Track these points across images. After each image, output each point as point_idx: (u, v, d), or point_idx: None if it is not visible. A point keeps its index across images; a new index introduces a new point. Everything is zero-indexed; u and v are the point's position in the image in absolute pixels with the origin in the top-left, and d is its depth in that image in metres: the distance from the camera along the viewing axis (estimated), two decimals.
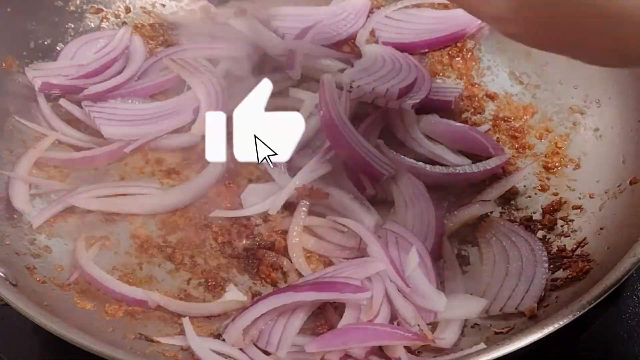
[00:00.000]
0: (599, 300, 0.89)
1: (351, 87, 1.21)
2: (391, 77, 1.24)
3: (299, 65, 1.28)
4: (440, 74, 1.34)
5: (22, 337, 1.09)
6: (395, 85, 1.22)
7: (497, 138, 1.24)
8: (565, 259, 1.08)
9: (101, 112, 1.21)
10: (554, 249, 1.10)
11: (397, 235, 1.08)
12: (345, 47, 1.36)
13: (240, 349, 0.97)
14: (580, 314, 0.87)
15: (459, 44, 1.36)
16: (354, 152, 1.12)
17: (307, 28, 1.33)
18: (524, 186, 1.19)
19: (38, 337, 1.08)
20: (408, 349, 0.97)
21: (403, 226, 1.09)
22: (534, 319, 1.00)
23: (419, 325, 0.99)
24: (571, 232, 1.12)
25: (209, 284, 1.07)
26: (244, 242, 1.12)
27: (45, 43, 1.28)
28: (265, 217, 1.13)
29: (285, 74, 1.29)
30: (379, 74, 1.25)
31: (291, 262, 1.09)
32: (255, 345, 0.98)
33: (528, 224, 1.14)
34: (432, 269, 1.05)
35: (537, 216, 1.15)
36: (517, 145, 1.23)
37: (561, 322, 0.87)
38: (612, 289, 0.90)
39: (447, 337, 1.00)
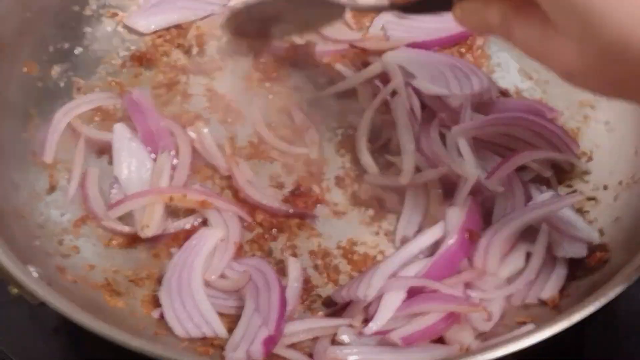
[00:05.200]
0: (622, 288, 0.91)
1: None
2: (459, 78, 1.25)
3: None
4: None
5: (25, 337, 1.12)
6: (475, 85, 1.24)
7: None
8: None
9: None
10: None
11: None
12: None
13: None
14: (606, 302, 0.90)
15: (468, 42, 1.37)
16: None
17: None
18: None
19: (40, 334, 1.12)
20: None
21: None
22: (556, 308, 1.02)
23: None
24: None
25: None
26: None
27: (64, 47, 1.29)
28: None
29: None
30: (446, 77, 1.25)
31: None
32: None
33: None
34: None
35: None
36: None
37: (587, 311, 0.89)
38: (635, 277, 0.92)
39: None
